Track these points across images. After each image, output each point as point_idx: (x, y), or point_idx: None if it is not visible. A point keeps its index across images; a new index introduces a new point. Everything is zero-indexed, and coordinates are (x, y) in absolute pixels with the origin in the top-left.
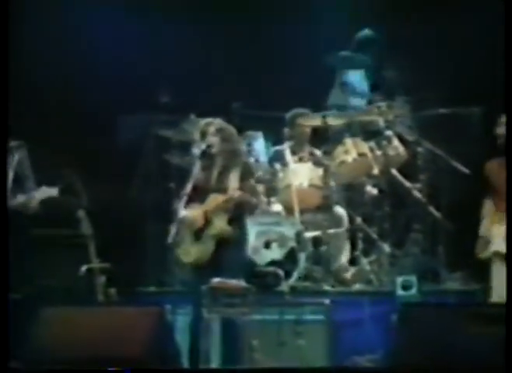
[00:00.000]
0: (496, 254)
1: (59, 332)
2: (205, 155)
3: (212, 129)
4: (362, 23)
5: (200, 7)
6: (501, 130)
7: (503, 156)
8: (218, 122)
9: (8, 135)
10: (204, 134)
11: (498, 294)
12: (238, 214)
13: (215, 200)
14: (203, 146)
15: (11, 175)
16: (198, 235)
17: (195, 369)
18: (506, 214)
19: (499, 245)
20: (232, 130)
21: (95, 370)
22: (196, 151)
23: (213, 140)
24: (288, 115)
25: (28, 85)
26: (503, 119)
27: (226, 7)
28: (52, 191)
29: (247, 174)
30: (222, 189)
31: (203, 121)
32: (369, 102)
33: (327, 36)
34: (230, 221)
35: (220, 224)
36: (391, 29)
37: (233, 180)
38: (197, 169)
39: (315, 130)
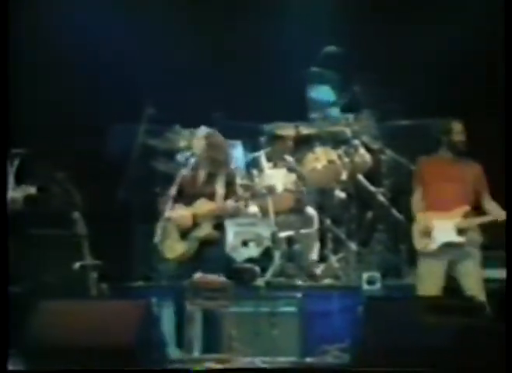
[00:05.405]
0: (447, 244)
1: (55, 323)
2: (192, 160)
3: (200, 136)
4: (330, 38)
5: (184, 20)
6: (458, 137)
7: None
8: (207, 131)
9: (8, 143)
10: (192, 141)
11: (427, 287)
12: (223, 220)
13: (206, 205)
14: (191, 152)
15: (11, 180)
16: (184, 234)
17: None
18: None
19: (449, 236)
20: (221, 140)
21: (95, 370)
22: (183, 156)
23: (200, 146)
24: (269, 127)
25: (26, 98)
26: (459, 127)
27: (210, 21)
28: (31, 190)
29: (231, 181)
30: (208, 193)
31: (197, 130)
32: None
33: (301, 52)
34: (216, 226)
35: (208, 229)
36: (357, 46)
37: (220, 187)
38: (183, 173)
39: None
